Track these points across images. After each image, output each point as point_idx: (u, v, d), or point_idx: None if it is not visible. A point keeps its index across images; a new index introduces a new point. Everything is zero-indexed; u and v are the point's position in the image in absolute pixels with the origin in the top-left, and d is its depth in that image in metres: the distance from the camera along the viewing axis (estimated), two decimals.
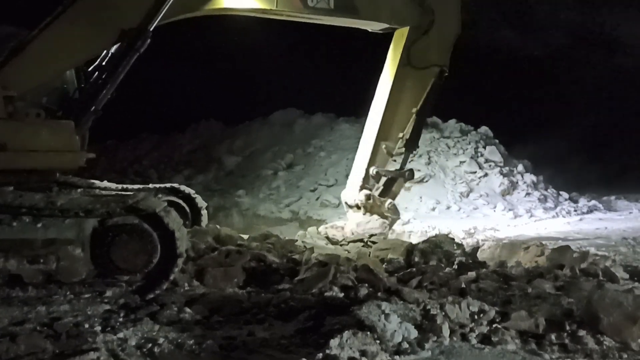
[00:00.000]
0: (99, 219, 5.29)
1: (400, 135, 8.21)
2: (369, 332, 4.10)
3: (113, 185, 7.48)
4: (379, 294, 5.52)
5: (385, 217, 8.01)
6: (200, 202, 7.89)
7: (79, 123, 5.99)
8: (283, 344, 4.28)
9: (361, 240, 8.33)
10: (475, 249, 8.04)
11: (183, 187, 7.94)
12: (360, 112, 19.10)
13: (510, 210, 13.46)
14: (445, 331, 4.38)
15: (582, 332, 4.57)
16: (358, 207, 8.10)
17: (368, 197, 7.75)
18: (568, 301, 5.58)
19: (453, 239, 8.70)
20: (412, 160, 15.90)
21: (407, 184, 8.56)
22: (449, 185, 14.59)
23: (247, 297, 5.37)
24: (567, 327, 4.63)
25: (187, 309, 4.92)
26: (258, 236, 7.80)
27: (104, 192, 6.76)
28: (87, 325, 4.50)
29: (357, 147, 16.13)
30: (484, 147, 16.67)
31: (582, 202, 15.27)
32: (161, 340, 4.22)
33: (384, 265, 7.04)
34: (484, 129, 18.00)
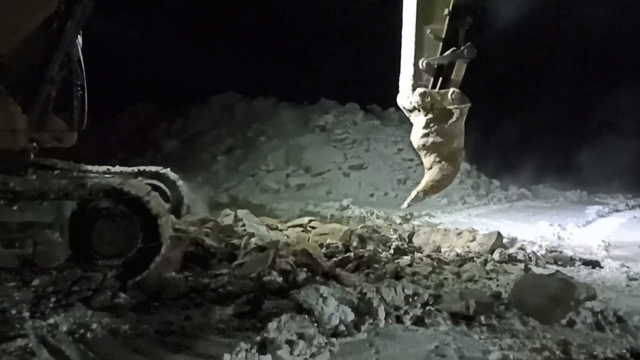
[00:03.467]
0: (79, 202, 5.08)
1: (446, 12, 6.77)
2: (306, 315, 4.16)
3: (94, 168, 7.08)
4: (318, 278, 5.58)
5: (450, 113, 6.98)
6: (184, 189, 7.52)
7: (34, 98, 5.61)
8: (221, 328, 4.27)
9: (300, 225, 8.38)
10: (411, 234, 8.23)
11: (168, 173, 7.52)
12: (301, 97, 19.19)
13: (444, 197, 13.82)
14: (381, 314, 4.50)
15: (509, 314, 4.80)
16: (418, 110, 7.09)
17: (424, 95, 6.47)
18: (497, 284, 5.86)
19: (390, 225, 8.91)
20: (352, 147, 16.24)
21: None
22: (387, 173, 14.84)
23: (185, 281, 5.30)
24: (496, 309, 4.85)
25: (122, 294, 4.80)
26: (196, 220, 7.69)
27: (85, 175, 6.40)
28: (14, 312, 4.32)
29: (299, 133, 16.31)
30: None
31: (512, 190, 15.89)
32: (94, 326, 4.11)
33: (322, 250, 7.11)
34: None
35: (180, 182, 7.44)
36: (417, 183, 15.24)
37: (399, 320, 4.55)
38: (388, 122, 17.46)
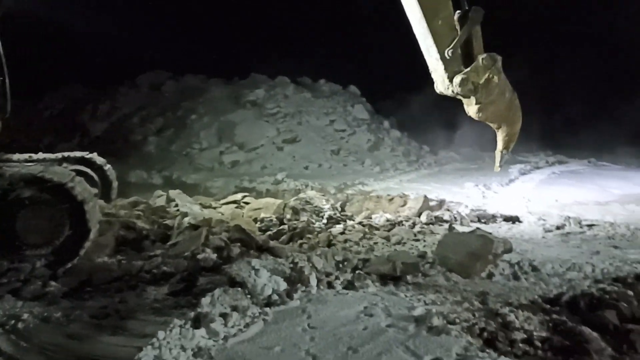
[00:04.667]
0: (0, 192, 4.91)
1: None
2: (239, 288, 4.28)
3: (15, 156, 6.76)
4: (251, 252, 5.69)
5: (490, 78, 7.19)
6: (112, 173, 7.32)
7: None
8: (156, 308, 4.33)
9: (234, 202, 8.44)
10: (344, 203, 8.44)
11: (95, 157, 7.28)
12: (231, 73, 18.99)
13: (377, 165, 14.18)
14: (313, 281, 4.67)
15: (433, 272, 5.10)
16: (463, 95, 7.41)
17: (463, 82, 6.60)
18: (424, 245, 6.16)
19: (324, 195, 9.10)
20: (284, 121, 16.27)
21: None
22: (320, 144, 15.01)
23: (118, 265, 5.29)
24: (421, 268, 5.13)
25: (53, 283, 4.76)
26: (126, 204, 7.61)
27: (4, 164, 6.13)
28: None
29: (230, 110, 16.15)
30: (352, 106, 17.28)
31: (441, 154, 16.44)
32: (25, 316, 4.08)
33: (257, 225, 7.22)
34: (352, 88, 18.62)
35: (108, 166, 7.29)
36: (350, 153, 15.50)
37: (330, 285, 4.73)
38: (319, 94, 17.59)
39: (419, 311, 4.10)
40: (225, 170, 13.50)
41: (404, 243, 6.21)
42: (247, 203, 8.30)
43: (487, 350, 3.51)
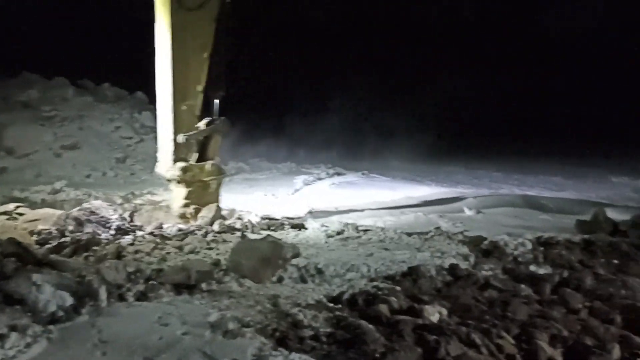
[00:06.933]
0: None
1: (200, 88, 7.22)
2: (18, 306, 3.92)
3: None
4: (29, 266, 5.19)
5: (208, 184, 7.41)
6: None
7: None
8: None
9: (5, 213, 7.58)
10: (132, 213, 8.16)
11: None
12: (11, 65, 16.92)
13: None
14: (102, 294, 4.46)
15: (227, 278, 5.25)
16: (178, 182, 7.09)
17: (185, 169, 6.90)
18: (217, 253, 6.27)
19: (110, 205, 8.65)
20: (62, 125, 14.98)
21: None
22: (104, 152, 14.20)
23: None
24: (215, 275, 5.23)
25: None
26: None
27: None
28: None
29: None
30: (140, 113, 16.67)
31: (231, 164, 16.67)
32: None
33: (34, 238, 6.62)
34: (139, 94, 17.95)
35: None
36: (138, 161, 15.00)
37: (121, 298, 4.57)
38: (102, 98, 16.64)
39: (214, 317, 4.19)
40: None
41: (198, 252, 6.24)
42: (21, 214, 7.51)
43: (280, 349, 3.74)
